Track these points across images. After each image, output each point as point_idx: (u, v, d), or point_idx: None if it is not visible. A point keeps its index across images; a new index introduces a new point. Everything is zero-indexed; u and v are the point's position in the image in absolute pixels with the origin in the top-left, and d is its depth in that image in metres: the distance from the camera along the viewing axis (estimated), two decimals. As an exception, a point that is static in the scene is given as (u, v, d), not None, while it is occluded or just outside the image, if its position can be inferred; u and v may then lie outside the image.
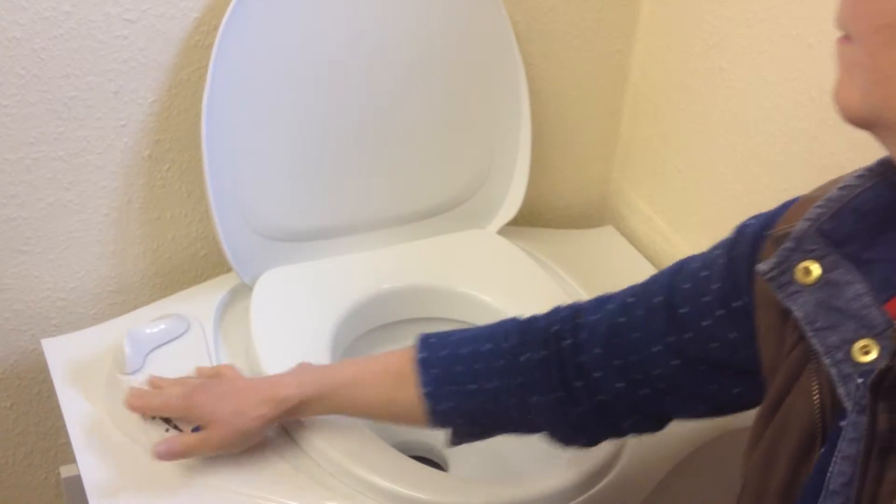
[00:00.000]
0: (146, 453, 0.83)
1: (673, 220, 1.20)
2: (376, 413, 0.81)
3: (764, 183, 1.02)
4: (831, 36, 0.92)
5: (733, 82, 1.04)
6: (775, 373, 0.57)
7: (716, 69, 1.06)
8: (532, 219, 1.26)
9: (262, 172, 1.00)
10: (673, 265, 0.70)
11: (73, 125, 0.96)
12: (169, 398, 0.82)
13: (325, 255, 1.07)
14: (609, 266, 1.17)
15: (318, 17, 0.96)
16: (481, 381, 0.75)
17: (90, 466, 0.83)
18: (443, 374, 0.76)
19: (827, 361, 0.51)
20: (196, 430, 0.81)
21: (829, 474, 0.49)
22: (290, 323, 0.98)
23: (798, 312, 0.52)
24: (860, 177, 0.54)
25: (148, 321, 0.96)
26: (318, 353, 0.94)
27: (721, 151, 1.08)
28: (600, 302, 0.73)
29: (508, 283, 1.08)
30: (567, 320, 0.73)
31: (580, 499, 0.83)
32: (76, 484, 0.85)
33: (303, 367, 0.84)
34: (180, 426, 0.84)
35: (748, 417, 1.05)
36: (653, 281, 0.71)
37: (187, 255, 1.10)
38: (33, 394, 1.10)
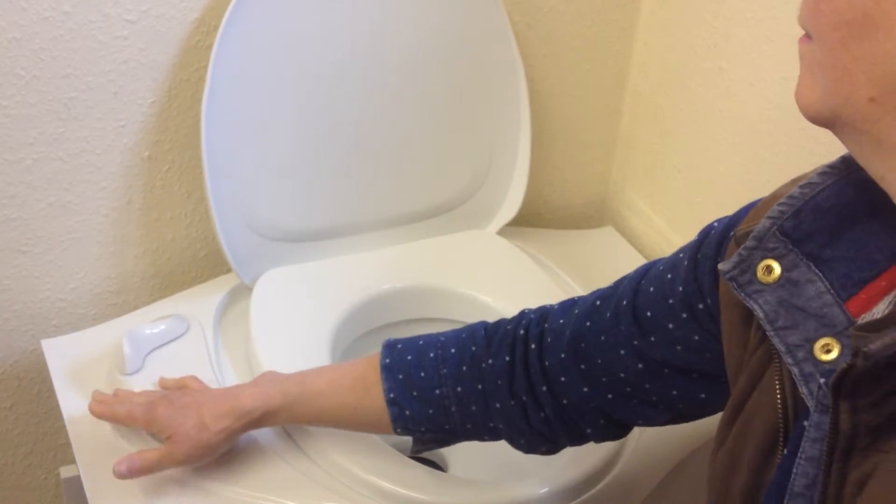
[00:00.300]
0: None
1: (673, 220, 1.20)
2: (342, 422, 0.81)
3: (764, 183, 1.02)
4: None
5: (733, 82, 1.04)
6: (739, 375, 0.57)
7: (716, 69, 1.06)
8: (532, 219, 1.26)
9: (262, 173, 1.00)
10: (639, 268, 0.70)
11: (73, 126, 0.96)
12: (133, 407, 0.81)
13: (324, 255, 1.07)
14: (609, 266, 1.17)
15: (318, 18, 0.96)
16: (446, 387, 0.75)
17: (90, 467, 0.83)
18: (407, 380, 0.76)
19: (789, 361, 0.50)
20: None
21: (792, 476, 0.49)
22: (289, 323, 0.98)
23: (759, 312, 0.52)
24: (822, 174, 0.53)
25: (148, 322, 0.96)
26: (317, 353, 0.94)
27: (721, 151, 1.08)
28: (567, 306, 0.73)
29: (508, 283, 1.07)
30: (534, 324, 0.73)
31: (580, 499, 0.83)
32: (76, 484, 0.85)
33: (267, 377, 0.82)
34: None
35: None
36: (619, 284, 0.71)
37: (187, 256, 1.10)
38: (33, 394, 1.10)
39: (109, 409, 0.82)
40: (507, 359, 0.72)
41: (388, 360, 0.77)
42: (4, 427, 1.11)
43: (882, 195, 0.48)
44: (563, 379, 0.70)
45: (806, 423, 0.49)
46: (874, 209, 0.51)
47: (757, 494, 0.54)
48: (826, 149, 0.93)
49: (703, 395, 0.67)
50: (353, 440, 0.84)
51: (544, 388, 0.71)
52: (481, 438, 0.78)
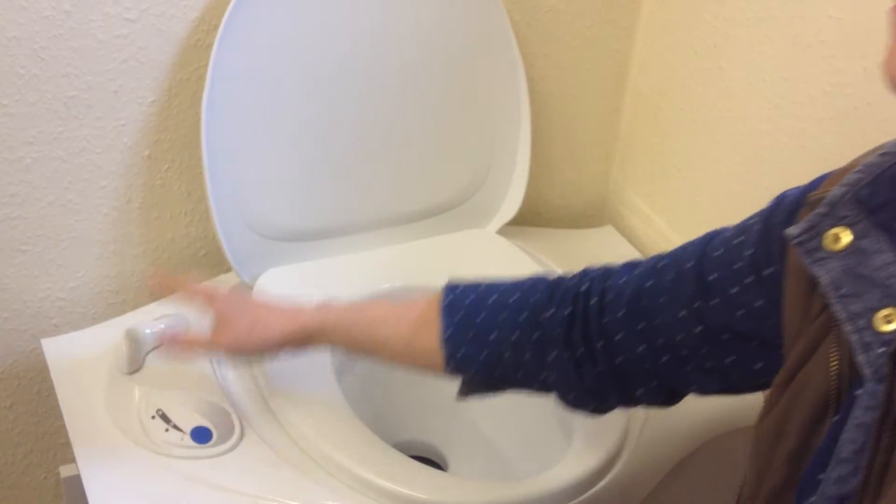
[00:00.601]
0: (146, 453, 0.83)
1: (672, 220, 1.20)
2: (395, 354, 0.81)
3: (764, 183, 1.02)
4: (831, 36, 0.93)
5: (733, 82, 1.04)
6: (797, 342, 0.57)
7: (716, 69, 1.06)
8: (532, 218, 1.26)
9: (262, 172, 1.00)
10: (704, 235, 0.70)
11: (73, 125, 0.96)
12: (193, 284, 0.84)
13: (324, 254, 1.07)
14: (609, 266, 1.17)
15: (318, 17, 0.96)
16: (503, 331, 0.75)
17: (90, 466, 0.83)
18: (465, 320, 0.76)
19: (849, 329, 0.51)
20: (200, 441, 0.82)
21: (840, 441, 0.49)
22: (289, 323, 0.98)
23: (824, 279, 0.52)
24: None
25: (147, 321, 0.96)
26: (317, 352, 0.94)
27: (721, 151, 1.08)
28: (630, 266, 0.73)
29: (508, 282, 1.07)
30: (597, 280, 0.73)
31: (580, 499, 0.83)
32: (76, 484, 0.85)
33: (327, 300, 0.84)
34: (180, 426, 0.84)
35: (749, 417, 1.05)
36: (683, 249, 0.70)
37: (187, 255, 1.10)
38: (33, 393, 1.10)
39: (174, 279, 0.85)
40: (568, 311, 0.72)
41: (449, 300, 0.78)
42: (4, 426, 1.11)
43: None
44: (619, 336, 0.70)
45: (859, 392, 0.49)
46: None
47: (803, 459, 0.54)
48: (826, 149, 0.93)
49: (758, 365, 0.66)
50: (354, 440, 0.84)
51: (601, 344, 0.71)
52: (530, 389, 0.77)
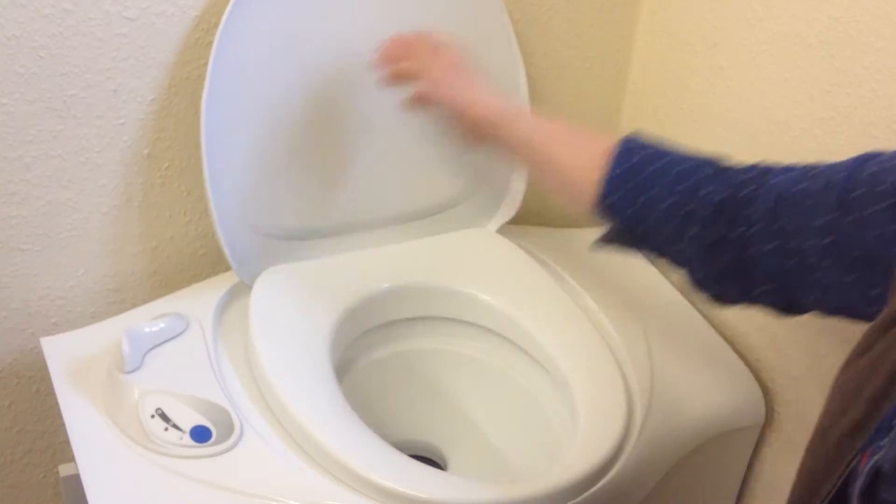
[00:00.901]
0: (145, 452, 0.83)
1: (672, 220, 1.20)
2: (553, 168, 0.84)
3: (764, 183, 1.02)
4: (831, 36, 0.92)
5: (733, 82, 1.04)
6: None
7: (716, 69, 1.06)
8: (532, 218, 1.26)
9: (262, 170, 1.00)
10: (863, 153, 0.70)
11: (72, 123, 0.96)
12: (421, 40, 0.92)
13: (324, 253, 1.07)
14: (609, 265, 1.17)
15: (318, 15, 0.96)
16: (660, 193, 0.76)
17: (89, 465, 0.83)
18: (632, 170, 0.77)
19: None
20: (200, 440, 0.82)
21: None
22: (289, 322, 0.98)
23: None
24: None
25: (147, 320, 0.96)
26: (317, 352, 0.94)
27: (721, 151, 1.08)
28: (787, 169, 0.74)
29: (508, 281, 1.07)
30: (757, 175, 0.74)
31: (580, 498, 0.83)
32: (75, 483, 0.85)
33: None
34: (179, 425, 0.84)
35: (749, 417, 1.05)
36: (839, 162, 0.71)
37: (186, 254, 1.10)
38: (32, 392, 1.10)
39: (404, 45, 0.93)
40: (722, 196, 0.74)
41: (627, 146, 0.79)
42: (3, 425, 1.11)
43: None
44: (756, 229, 0.71)
45: None
46: None
47: (884, 402, 0.55)
48: (826, 149, 0.93)
49: (874, 292, 0.66)
50: (354, 439, 0.84)
51: (738, 233, 0.72)
52: (663, 254, 0.79)
